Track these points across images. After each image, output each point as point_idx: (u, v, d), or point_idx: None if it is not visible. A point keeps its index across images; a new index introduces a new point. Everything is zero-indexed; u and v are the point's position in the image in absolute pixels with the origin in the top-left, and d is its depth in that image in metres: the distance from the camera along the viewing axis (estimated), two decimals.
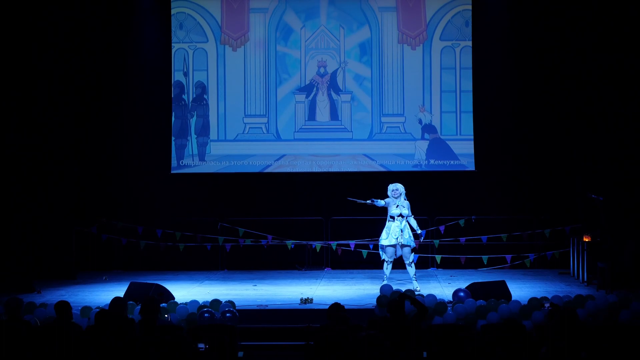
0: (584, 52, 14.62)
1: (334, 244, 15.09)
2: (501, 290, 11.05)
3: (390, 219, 12.41)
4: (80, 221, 14.81)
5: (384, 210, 12.24)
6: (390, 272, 12.51)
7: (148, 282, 11.89)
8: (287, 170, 15.39)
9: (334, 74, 15.35)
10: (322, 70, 15.33)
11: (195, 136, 15.28)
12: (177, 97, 15.28)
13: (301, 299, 11.44)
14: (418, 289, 12.15)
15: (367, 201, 12.59)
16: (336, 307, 8.01)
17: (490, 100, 15.33)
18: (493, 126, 15.34)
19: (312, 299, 11.45)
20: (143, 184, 15.47)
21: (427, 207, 15.09)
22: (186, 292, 12.39)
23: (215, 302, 10.50)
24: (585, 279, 13.02)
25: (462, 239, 14.89)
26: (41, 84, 14.16)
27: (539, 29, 15.01)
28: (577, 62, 14.72)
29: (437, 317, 9.96)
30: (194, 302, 10.53)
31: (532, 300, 10.38)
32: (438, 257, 14.92)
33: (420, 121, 15.20)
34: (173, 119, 15.29)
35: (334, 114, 15.37)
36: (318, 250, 15.15)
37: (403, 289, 11.08)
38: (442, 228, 14.99)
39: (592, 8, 14.48)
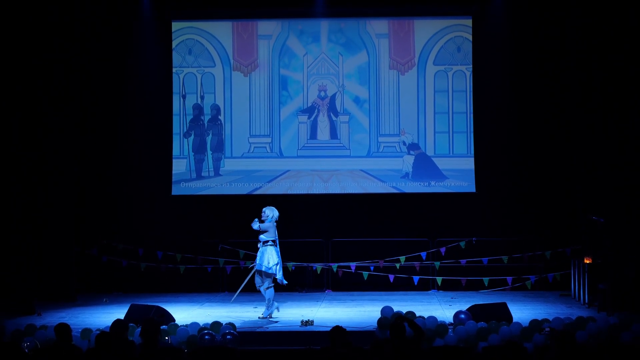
0: (584, 63, 14.57)
1: (334, 265, 15.08)
2: (502, 312, 11.04)
3: None
4: (80, 243, 14.81)
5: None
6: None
7: (149, 304, 11.87)
8: (290, 185, 15.59)
9: (333, 97, 15.69)
10: (322, 93, 15.69)
11: (211, 152, 15.73)
12: (196, 117, 15.79)
13: (302, 321, 11.43)
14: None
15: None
16: (338, 330, 7.98)
17: (489, 121, 15.37)
18: (493, 147, 15.37)
19: (312, 321, 11.43)
20: (144, 206, 15.47)
21: (427, 228, 15.12)
22: (187, 314, 12.37)
23: (216, 324, 10.49)
24: (587, 301, 12.98)
25: (463, 261, 14.89)
26: (41, 84, 14.12)
27: (539, 39, 15.06)
28: (578, 75, 14.66)
29: (438, 339, 9.93)
30: (195, 324, 10.52)
31: (534, 322, 10.36)
32: (439, 279, 14.89)
33: (404, 142, 15.54)
34: (193, 137, 15.74)
35: (334, 134, 15.69)
36: (319, 272, 15.14)
37: (404, 310, 11.08)
38: (442, 250, 14.99)
39: (592, 17, 14.46)
